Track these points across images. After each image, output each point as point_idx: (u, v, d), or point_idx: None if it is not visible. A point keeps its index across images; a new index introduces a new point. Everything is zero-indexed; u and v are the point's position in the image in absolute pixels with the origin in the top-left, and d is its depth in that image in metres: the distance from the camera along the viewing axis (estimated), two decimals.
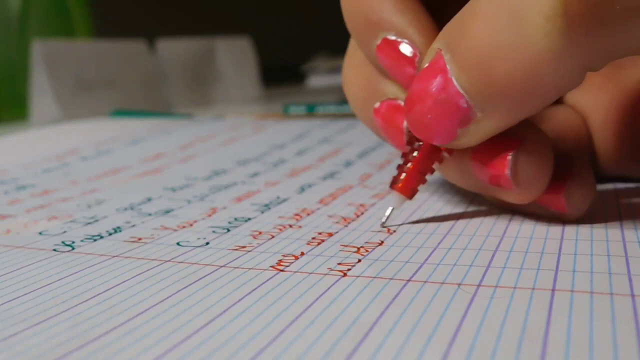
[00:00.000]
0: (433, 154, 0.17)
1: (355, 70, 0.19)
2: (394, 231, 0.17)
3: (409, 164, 0.17)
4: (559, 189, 0.16)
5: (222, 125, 0.41)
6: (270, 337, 0.11)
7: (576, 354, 0.10)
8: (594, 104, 0.20)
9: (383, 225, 0.18)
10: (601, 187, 0.20)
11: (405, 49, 0.16)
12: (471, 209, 0.19)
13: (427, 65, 0.15)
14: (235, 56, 0.68)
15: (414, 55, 0.16)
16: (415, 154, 0.17)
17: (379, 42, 0.17)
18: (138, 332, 0.11)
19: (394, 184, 0.17)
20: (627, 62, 0.20)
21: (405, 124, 0.17)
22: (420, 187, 0.17)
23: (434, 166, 0.17)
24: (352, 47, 0.20)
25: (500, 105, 0.14)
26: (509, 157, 0.15)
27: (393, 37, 0.16)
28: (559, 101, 0.21)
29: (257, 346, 0.11)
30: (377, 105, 0.18)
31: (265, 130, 0.39)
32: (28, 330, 0.12)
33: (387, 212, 0.18)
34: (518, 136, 0.16)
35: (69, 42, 0.54)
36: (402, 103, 0.18)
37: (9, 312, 0.13)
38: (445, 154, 0.17)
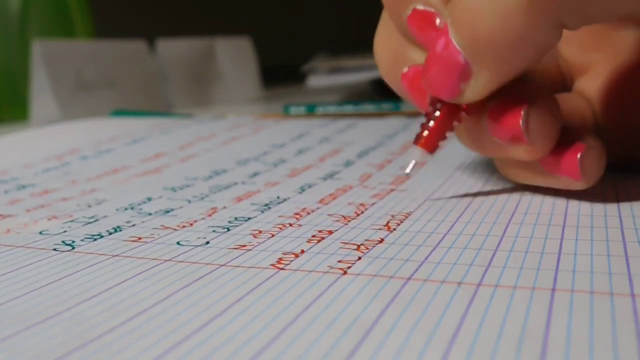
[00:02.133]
0: (453, 112, 0.18)
1: (386, 40, 0.21)
2: (394, 229, 0.17)
3: (431, 122, 0.18)
4: (573, 154, 0.18)
5: (222, 125, 0.41)
6: (270, 336, 0.11)
7: (576, 353, 0.10)
8: (596, 89, 0.22)
9: (407, 174, 0.19)
10: (601, 186, 0.21)
11: (432, 17, 0.18)
12: (471, 208, 0.19)
13: (438, 29, 0.17)
14: (235, 56, 0.68)
15: (439, 22, 0.18)
16: (436, 113, 0.18)
17: (409, 12, 0.19)
18: (138, 332, 0.11)
19: (417, 140, 0.19)
20: (625, 52, 0.22)
21: None
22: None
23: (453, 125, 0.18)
24: (384, 21, 0.22)
25: (488, 59, 0.16)
26: (523, 112, 0.17)
27: (422, 7, 0.18)
28: (568, 90, 0.23)
29: (258, 345, 0.11)
30: (404, 70, 0.20)
31: (265, 130, 0.39)
32: (28, 330, 0.12)
33: (410, 165, 0.19)
34: (528, 96, 0.18)
35: (69, 42, 0.54)
36: None
37: (9, 311, 0.13)
38: (463, 114, 0.18)
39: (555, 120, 0.18)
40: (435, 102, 0.18)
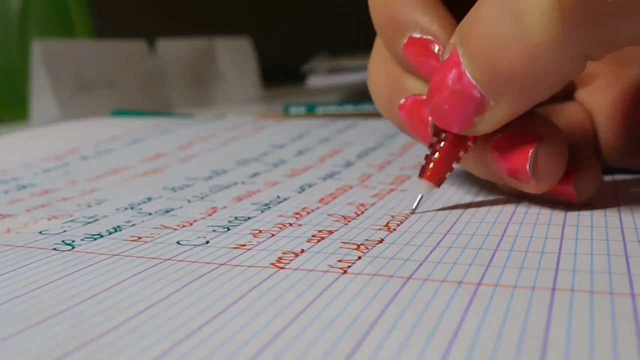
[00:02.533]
0: (458, 143, 0.18)
1: (380, 69, 0.20)
2: (394, 229, 0.17)
3: (436, 154, 0.18)
4: (568, 180, 0.17)
5: (222, 125, 0.41)
6: (270, 335, 0.11)
7: (576, 353, 0.10)
8: (599, 101, 0.21)
9: (414, 211, 0.19)
10: (601, 187, 0.20)
11: (430, 45, 0.18)
12: (471, 208, 0.19)
13: (445, 59, 0.16)
14: (235, 56, 0.68)
15: (439, 50, 0.18)
16: (442, 144, 0.18)
17: (405, 40, 0.18)
18: (138, 331, 0.11)
19: (422, 173, 0.18)
20: (631, 63, 0.21)
21: (430, 117, 0.18)
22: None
23: (459, 155, 0.18)
24: (377, 48, 0.21)
25: (508, 93, 0.15)
26: (530, 153, 0.17)
27: (418, 35, 0.18)
28: (570, 98, 0.22)
29: (258, 344, 0.11)
30: (402, 101, 0.19)
31: (265, 130, 0.39)
32: (28, 329, 0.12)
33: (417, 200, 0.19)
34: (537, 133, 0.17)
35: (69, 42, 0.54)
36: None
37: (9, 311, 0.13)
38: (470, 143, 0.18)
39: (563, 159, 0.17)
40: (439, 132, 0.18)
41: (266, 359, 0.10)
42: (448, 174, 0.18)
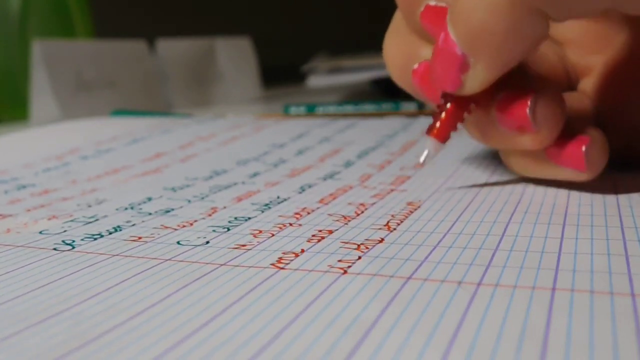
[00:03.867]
0: (463, 104, 0.19)
1: (397, 40, 0.22)
2: (394, 229, 0.17)
3: (443, 114, 0.19)
4: (578, 146, 0.19)
5: (222, 125, 0.41)
6: (270, 335, 0.11)
7: (576, 353, 0.10)
8: (597, 88, 0.23)
9: (421, 165, 0.20)
10: (601, 185, 0.21)
11: (444, 11, 0.19)
12: (471, 208, 0.19)
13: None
14: (235, 56, 0.68)
15: None
16: (448, 105, 0.19)
17: (422, 8, 0.20)
18: (138, 331, 0.11)
19: (429, 130, 0.19)
20: (626, 51, 0.22)
21: None
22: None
23: (464, 116, 0.19)
24: (394, 23, 0.23)
25: (483, 50, 0.17)
26: (529, 101, 0.18)
27: (433, 3, 0.20)
28: (573, 89, 0.24)
29: (258, 344, 0.11)
30: (415, 66, 0.21)
31: (265, 130, 0.39)
32: (28, 329, 0.12)
33: (424, 154, 0.20)
34: (535, 87, 0.19)
35: (69, 42, 0.54)
36: None
37: (9, 311, 0.13)
38: (473, 105, 0.19)
39: (561, 109, 0.19)
40: (446, 95, 0.19)
41: (266, 359, 0.10)
42: (453, 133, 0.20)
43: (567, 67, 0.24)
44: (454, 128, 0.19)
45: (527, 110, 0.18)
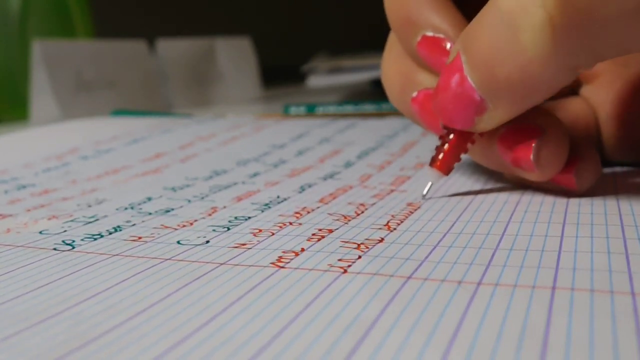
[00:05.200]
0: (466, 136, 0.19)
1: (394, 63, 0.22)
2: (394, 228, 0.17)
3: (446, 145, 0.19)
4: (569, 170, 0.19)
5: (222, 125, 0.41)
6: (270, 335, 0.11)
7: (576, 352, 0.10)
8: (603, 98, 0.22)
9: (424, 197, 0.20)
10: (601, 184, 0.21)
11: (442, 43, 0.19)
12: (471, 207, 0.19)
13: (450, 62, 0.17)
14: (235, 56, 0.68)
15: (450, 47, 0.19)
16: (451, 136, 0.19)
17: (419, 38, 0.19)
18: (139, 331, 0.11)
19: (433, 162, 0.19)
20: (631, 62, 0.22)
21: None
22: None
23: (467, 146, 0.19)
24: (391, 44, 0.22)
25: (505, 99, 0.17)
26: (534, 145, 0.18)
27: (431, 34, 0.19)
28: (575, 94, 0.24)
29: (258, 344, 0.11)
30: (414, 94, 0.21)
31: (265, 130, 0.39)
32: (28, 329, 0.12)
33: (427, 187, 0.20)
34: (540, 126, 0.18)
35: (69, 42, 0.54)
36: None
37: (9, 311, 0.13)
38: (476, 136, 0.19)
39: (565, 150, 0.18)
40: (449, 127, 0.19)
41: (266, 359, 0.10)
42: (456, 164, 0.19)
43: None
44: (457, 159, 0.19)
45: (531, 157, 0.18)
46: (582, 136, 0.21)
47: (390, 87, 0.22)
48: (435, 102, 0.18)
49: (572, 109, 0.23)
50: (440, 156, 0.19)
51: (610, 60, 0.22)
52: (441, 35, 0.19)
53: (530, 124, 0.18)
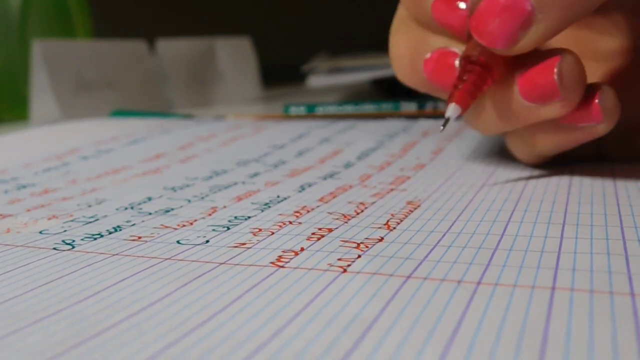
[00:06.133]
0: (483, 76, 0.19)
1: (403, 36, 0.23)
2: (394, 228, 0.17)
3: (461, 85, 0.19)
4: (592, 98, 0.19)
5: (222, 126, 0.41)
6: (270, 334, 0.11)
7: (576, 352, 0.10)
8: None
9: (442, 130, 0.20)
10: (601, 184, 0.21)
11: (456, 1, 0.20)
12: (471, 207, 0.19)
13: None
14: (235, 56, 0.68)
15: (466, 2, 0.20)
16: (466, 77, 0.19)
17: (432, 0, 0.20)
18: (137, 329, 0.11)
19: (450, 98, 0.20)
20: (611, 56, 0.23)
21: (457, 61, 0.21)
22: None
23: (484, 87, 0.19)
24: (399, 21, 0.23)
25: (558, 5, 0.17)
26: (557, 64, 0.19)
27: None
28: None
29: (257, 342, 0.11)
30: (427, 55, 0.21)
31: (266, 130, 0.39)
32: (28, 327, 0.12)
33: (448, 113, 0.20)
34: (556, 53, 0.19)
35: (69, 42, 0.54)
36: (453, 49, 0.21)
37: (9, 310, 0.13)
38: (494, 78, 0.19)
39: (583, 69, 0.19)
40: (466, 67, 0.19)
41: (265, 357, 0.10)
42: (473, 102, 0.20)
43: None
44: (474, 97, 0.19)
45: (555, 77, 0.18)
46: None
47: (400, 58, 0.23)
48: (476, 25, 0.18)
49: None
50: (458, 92, 0.19)
51: (591, 60, 0.23)
52: None
53: (545, 57, 0.19)
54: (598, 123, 0.19)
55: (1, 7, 0.53)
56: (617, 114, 0.20)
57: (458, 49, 0.21)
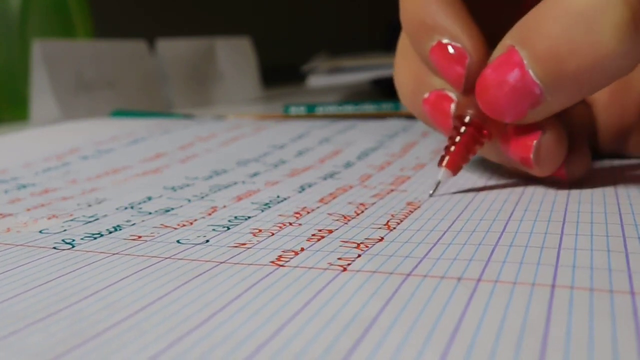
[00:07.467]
0: (476, 138, 0.19)
1: (406, 66, 0.22)
2: (394, 228, 0.17)
3: (453, 147, 0.20)
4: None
5: (222, 125, 0.41)
6: (270, 332, 0.11)
7: (576, 350, 0.10)
8: (596, 96, 0.24)
9: (431, 196, 0.20)
10: (601, 182, 0.21)
11: (457, 51, 0.19)
12: (471, 206, 0.19)
13: (498, 58, 0.18)
14: (235, 56, 0.68)
15: (464, 57, 0.19)
16: (457, 139, 0.19)
17: (433, 43, 0.19)
18: (138, 328, 0.11)
19: (441, 162, 0.20)
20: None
21: (452, 110, 0.20)
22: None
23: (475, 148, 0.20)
24: (403, 46, 0.23)
25: (567, 91, 0.17)
26: (534, 144, 0.19)
27: (446, 41, 0.19)
28: None
29: (257, 341, 0.11)
30: (426, 95, 0.21)
31: (266, 130, 0.39)
32: (28, 327, 0.12)
33: (435, 186, 0.20)
34: (540, 127, 0.19)
35: (69, 42, 0.54)
36: (449, 94, 0.21)
37: (9, 309, 0.13)
38: (484, 140, 0.19)
39: (563, 150, 0.19)
40: (459, 127, 0.19)
41: (266, 356, 0.10)
42: (464, 165, 0.20)
43: None
44: (466, 160, 0.20)
45: (531, 155, 0.19)
46: (575, 126, 0.21)
47: (402, 87, 0.23)
48: (483, 98, 0.18)
49: (570, 108, 0.23)
50: (450, 155, 0.20)
51: None
52: (458, 45, 0.19)
53: (530, 125, 0.19)
54: (562, 178, 0.20)
55: (1, 7, 0.53)
56: (582, 172, 0.20)
57: (454, 94, 0.21)
